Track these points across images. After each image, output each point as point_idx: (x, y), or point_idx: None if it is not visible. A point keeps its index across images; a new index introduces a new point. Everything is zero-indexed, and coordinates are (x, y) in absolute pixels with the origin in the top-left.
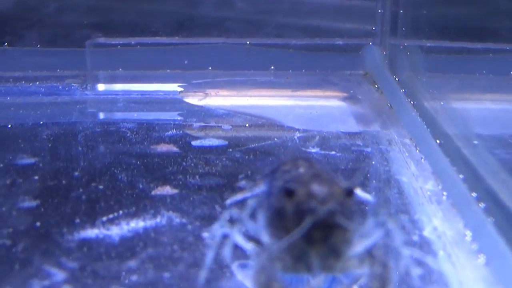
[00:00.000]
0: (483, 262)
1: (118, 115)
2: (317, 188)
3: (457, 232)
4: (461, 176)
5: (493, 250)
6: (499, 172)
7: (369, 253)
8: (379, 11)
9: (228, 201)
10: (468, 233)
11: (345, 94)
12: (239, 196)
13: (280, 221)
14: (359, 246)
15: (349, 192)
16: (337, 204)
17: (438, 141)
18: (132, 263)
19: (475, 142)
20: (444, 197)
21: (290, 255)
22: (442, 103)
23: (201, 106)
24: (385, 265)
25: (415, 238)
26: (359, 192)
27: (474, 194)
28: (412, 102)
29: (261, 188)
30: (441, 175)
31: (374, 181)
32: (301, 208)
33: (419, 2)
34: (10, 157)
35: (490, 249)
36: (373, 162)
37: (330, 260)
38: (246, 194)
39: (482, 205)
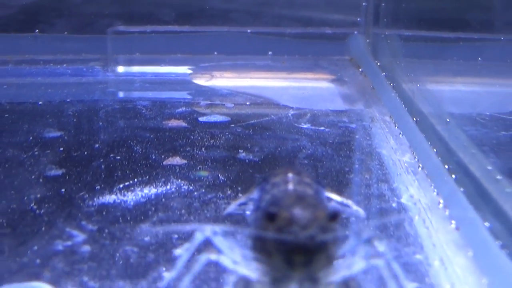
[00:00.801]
0: (454, 227)
1: (135, 94)
2: (300, 213)
3: (431, 200)
4: (434, 150)
5: (463, 216)
6: (469, 146)
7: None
8: (363, 4)
9: (224, 212)
10: (441, 201)
11: (333, 77)
12: (233, 207)
13: (262, 245)
14: (338, 274)
15: (333, 217)
16: (319, 229)
17: (414, 119)
18: (145, 226)
19: (448, 120)
20: (420, 169)
21: (272, 280)
22: (418, 85)
23: (207, 87)
24: None
25: (394, 204)
26: (351, 205)
27: (446, 166)
28: (392, 84)
29: (253, 196)
30: (417, 148)
31: (357, 154)
32: (282, 233)
33: None
34: (39, 131)
35: (460, 215)
36: (357, 137)
37: (309, 286)
38: (241, 201)
39: (453, 176)
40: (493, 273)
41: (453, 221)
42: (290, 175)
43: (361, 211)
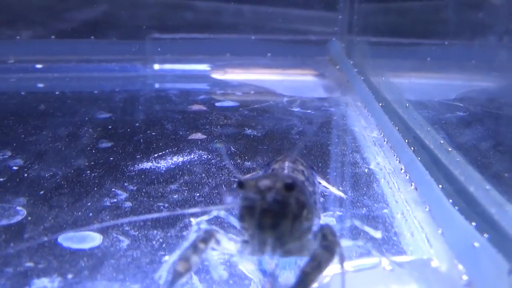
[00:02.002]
0: (413, 188)
1: (167, 85)
2: (261, 181)
3: (394, 166)
4: (396, 128)
5: (420, 180)
6: (424, 125)
7: (319, 231)
8: (339, 17)
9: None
10: (403, 168)
11: (316, 72)
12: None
13: (239, 214)
14: (307, 231)
15: (289, 187)
16: (276, 194)
17: (380, 104)
18: (174, 186)
19: (407, 105)
20: (385, 142)
21: (251, 242)
22: (383, 78)
23: (221, 80)
24: (333, 235)
25: (365, 170)
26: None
27: (406, 141)
28: (362, 78)
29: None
30: (383, 127)
31: (336, 130)
32: (247, 198)
33: (366, 12)
34: (94, 113)
35: (418, 179)
36: (335, 118)
37: (279, 244)
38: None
39: (412, 148)
40: (447, 224)
41: (412, 183)
42: (286, 162)
43: (343, 195)
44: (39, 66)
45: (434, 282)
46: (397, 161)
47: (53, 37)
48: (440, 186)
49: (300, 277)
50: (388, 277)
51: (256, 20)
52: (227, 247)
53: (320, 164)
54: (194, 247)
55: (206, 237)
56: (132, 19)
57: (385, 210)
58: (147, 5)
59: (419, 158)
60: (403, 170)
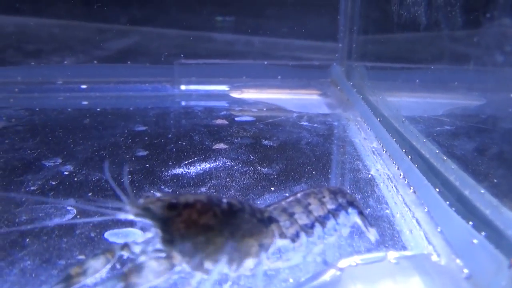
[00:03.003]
0: (412, 191)
1: (192, 103)
2: (153, 197)
3: (393, 172)
4: (394, 139)
5: (418, 184)
6: (419, 137)
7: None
8: (340, 45)
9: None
10: (401, 173)
11: (320, 92)
12: None
13: None
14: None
15: (170, 206)
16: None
17: (378, 119)
18: (203, 189)
19: (403, 120)
20: (384, 152)
21: None
22: (380, 97)
23: (239, 98)
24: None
25: (367, 175)
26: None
27: (403, 150)
28: (361, 97)
29: None
30: (382, 139)
31: (339, 141)
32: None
33: (364, 41)
34: (132, 126)
35: (416, 183)
36: (339, 131)
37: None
38: None
39: (409, 156)
40: (445, 223)
41: (411, 187)
42: (301, 194)
43: (372, 238)
44: (84, 86)
45: (435, 275)
46: (396, 168)
47: (95, 62)
48: (437, 189)
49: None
50: (393, 269)
51: (266, 49)
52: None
53: (327, 171)
54: (96, 257)
55: (114, 249)
56: (162, 47)
57: (387, 211)
58: (171, 37)
59: (416, 165)
60: (401, 176)
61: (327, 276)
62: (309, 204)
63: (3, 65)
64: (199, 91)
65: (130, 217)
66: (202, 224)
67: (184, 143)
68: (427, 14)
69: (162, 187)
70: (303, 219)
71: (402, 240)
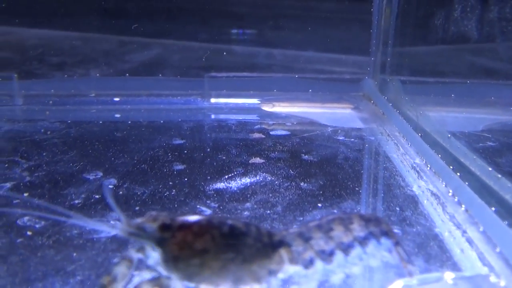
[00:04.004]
0: (464, 209)
1: (224, 116)
2: (153, 217)
3: (441, 190)
4: (439, 155)
5: (471, 202)
6: (469, 153)
7: None
8: (372, 59)
9: None
10: (450, 191)
11: (352, 106)
12: None
13: None
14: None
15: (162, 227)
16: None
17: (419, 134)
18: (249, 204)
19: (449, 135)
20: (428, 168)
21: None
22: (420, 112)
23: (271, 112)
24: None
25: (409, 192)
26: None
27: (451, 167)
28: (397, 111)
29: None
30: (424, 154)
31: (377, 157)
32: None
33: (400, 54)
34: (168, 139)
35: (468, 201)
36: (376, 146)
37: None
38: None
39: (458, 174)
40: (505, 243)
41: (463, 205)
42: (329, 217)
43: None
44: (116, 99)
45: None
46: (443, 185)
47: (127, 74)
48: (493, 208)
49: None
50: None
51: (298, 63)
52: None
53: (369, 186)
54: (119, 264)
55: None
56: (193, 61)
57: (434, 229)
58: (193, 49)
59: (466, 183)
60: (451, 193)
61: None
62: (332, 229)
63: (29, 78)
64: (230, 104)
65: (125, 236)
66: (197, 247)
67: (224, 157)
68: (478, 28)
69: (207, 201)
70: (320, 245)
71: (454, 260)
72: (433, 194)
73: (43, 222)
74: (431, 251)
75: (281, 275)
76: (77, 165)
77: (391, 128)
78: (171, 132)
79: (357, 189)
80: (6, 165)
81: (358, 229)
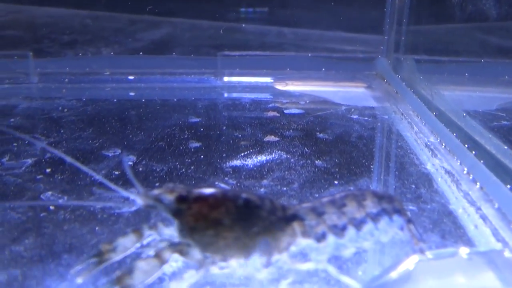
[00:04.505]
0: (479, 187)
1: (238, 95)
2: (171, 188)
3: (456, 167)
4: (454, 134)
5: (486, 180)
6: (483, 132)
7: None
8: (385, 37)
9: None
10: (465, 169)
11: (365, 85)
12: None
13: None
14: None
15: (178, 198)
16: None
17: (434, 113)
18: (266, 181)
19: (464, 114)
20: (443, 146)
21: None
22: (435, 91)
23: (284, 90)
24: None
25: (423, 170)
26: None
27: (466, 145)
28: (411, 90)
29: None
30: (439, 133)
31: (391, 135)
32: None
33: (415, 33)
34: (183, 118)
35: (484, 179)
36: (390, 124)
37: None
38: None
39: (473, 152)
40: None
41: (477, 183)
42: (343, 194)
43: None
44: (131, 77)
45: (509, 271)
46: (458, 163)
47: (141, 53)
48: (508, 186)
49: None
50: (465, 265)
51: (312, 42)
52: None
53: (383, 164)
54: (126, 236)
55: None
56: (205, 40)
57: (448, 206)
58: (203, 28)
59: (482, 161)
60: (465, 171)
61: (398, 271)
62: (345, 205)
63: (42, 56)
64: (243, 82)
65: (144, 206)
66: (212, 219)
67: (240, 135)
68: (496, 7)
69: (226, 178)
70: (333, 220)
71: (468, 236)
72: (447, 172)
73: (66, 197)
74: (446, 228)
75: (293, 248)
76: (96, 142)
77: (405, 107)
78: (186, 110)
79: (371, 167)
80: (27, 142)
81: (371, 205)
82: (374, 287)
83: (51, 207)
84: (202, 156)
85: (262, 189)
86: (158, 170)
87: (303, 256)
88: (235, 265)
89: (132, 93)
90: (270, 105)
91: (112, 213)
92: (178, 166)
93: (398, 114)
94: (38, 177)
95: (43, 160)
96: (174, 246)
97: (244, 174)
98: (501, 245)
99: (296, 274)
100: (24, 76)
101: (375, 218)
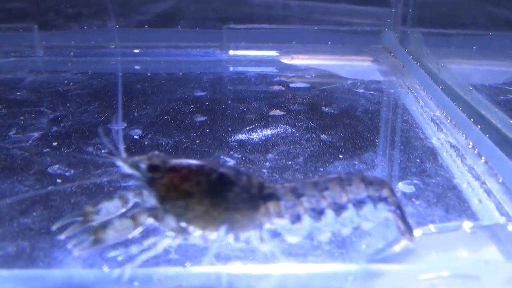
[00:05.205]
0: (483, 161)
1: (243, 68)
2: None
3: (461, 142)
4: (460, 108)
5: (491, 154)
6: (489, 106)
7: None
8: (393, 10)
9: None
10: (470, 143)
11: (372, 58)
12: None
13: None
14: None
15: (149, 167)
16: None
17: (440, 87)
18: (271, 155)
19: (470, 88)
20: (448, 121)
21: None
22: (442, 64)
23: (290, 64)
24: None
25: (428, 144)
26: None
27: (472, 119)
28: (418, 64)
29: None
30: (445, 107)
31: (396, 109)
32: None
33: (421, 5)
34: (188, 92)
35: (489, 153)
36: (395, 98)
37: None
38: None
39: (479, 126)
40: None
41: (482, 157)
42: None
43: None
44: (136, 51)
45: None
46: (464, 137)
47: (146, 26)
48: None
49: None
50: (469, 239)
51: (317, 14)
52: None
53: (388, 139)
54: (111, 201)
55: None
56: (211, 12)
57: (452, 180)
58: (209, 1)
59: (487, 135)
60: (470, 145)
61: (401, 244)
62: (327, 188)
63: (47, 29)
64: (248, 56)
65: (126, 168)
66: (183, 190)
67: (245, 109)
68: None
69: (231, 152)
70: (311, 203)
71: (472, 210)
72: (452, 146)
73: (72, 170)
74: (450, 202)
75: (267, 226)
76: (101, 116)
77: (411, 81)
78: (191, 84)
79: (377, 141)
80: (33, 115)
81: (355, 191)
82: (377, 260)
83: (58, 180)
84: (207, 130)
85: (267, 163)
86: (164, 144)
87: (276, 235)
88: (210, 237)
89: (137, 67)
90: (276, 79)
91: (119, 186)
92: (184, 140)
93: (404, 88)
94: (45, 150)
95: (50, 134)
96: (151, 211)
97: (249, 148)
98: (504, 219)
99: (300, 248)
100: (30, 50)
101: (357, 204)
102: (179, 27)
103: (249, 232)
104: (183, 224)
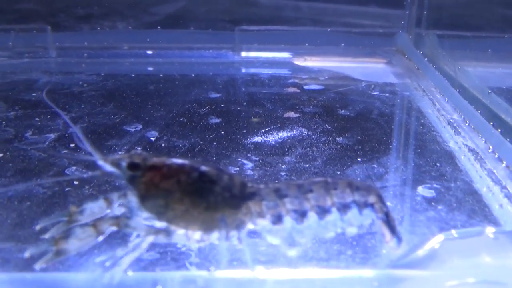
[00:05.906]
0: (505, 165)
1: (257, 70)
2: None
3: (481, 146)
4: (478, 111)
5: (511, 157)
6: (509, 109)
7: None
8: (406, 12)
9: None
10: (491, 147)
11: (385, 60)
12: None
13: None
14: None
15: (129, 166)
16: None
17: (457, 90)
18: (289, 158)
19: (489, 91)
20: (466, 124)
21: None
22: (459, 67)
23: (303, 66)
24: None
25: (446, 147)
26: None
27: (491, 123)
28: (433, 66)
29: None
30: (463, 110)
31: (412, 112)
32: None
33: (436, 7)
34: (203, 93)
35: (509, 157)
36: (411, 101)
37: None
38: None
39: (499, 130)
40: None
41: (503, 162)
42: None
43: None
44: (149, 52)
45: None
46: (483, 141)
47: (159, 27)
48: None
49: None
50: (491, 244)
51: (330, 16)
52: None
53: (405, 142)
54: (96, 201)
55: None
56: (223, 14)
57: (472, 184)
58: (220, 2)
59: (508, 140)
60: (491, 150)
61: (424, 249)
62: (311, 191)
63: (58, 30)
64: (261, 58)
65: (106, 167)
66: (162, 189)
67: (261, 111)
68: None
69: (248, 155)
70: (294, 204)
71: (493, 214)
72: (470, 150)
73: (90, 172)
74: (471, 207)
75: (251, 226)
76: (117, 117)
77: (427, 83)
78: (205, 85)
79: (394, 144)
80: (49, 117)
81: (340, 195)
82: (399, 265)
83: (75, 182)
84: (222, 132)
85: (284, 166)
86: (180, 145)
87: (257, 236)
88: (194, 237)
89: (150, 68)
90: (290, 80)
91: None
92: (200, 142)
93: (419, 90)
94: (62, 151)
95: (66, 135)
96: (112, 219)
97: (266, 151)
98: None
99: (325, 252)
100: (43, 50)
101: (342, 208)
102: (191, 28)
103: (229, 232)
104: (163, 224)
